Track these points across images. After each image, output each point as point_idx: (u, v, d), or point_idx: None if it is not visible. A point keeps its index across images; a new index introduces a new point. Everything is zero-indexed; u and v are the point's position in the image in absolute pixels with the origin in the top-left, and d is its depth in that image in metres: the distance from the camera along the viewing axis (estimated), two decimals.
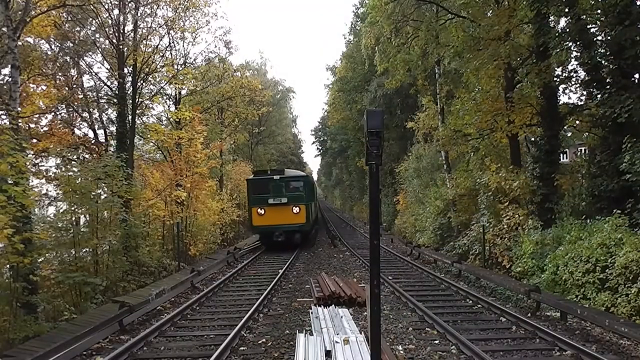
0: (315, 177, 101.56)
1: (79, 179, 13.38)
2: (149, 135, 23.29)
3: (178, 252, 19.22)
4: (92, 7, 17.49)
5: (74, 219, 13.86)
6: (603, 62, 13.75)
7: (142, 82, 20.36)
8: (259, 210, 23.11)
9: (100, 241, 13.66)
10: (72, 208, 13.36)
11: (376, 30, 26.49)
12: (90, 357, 8.31)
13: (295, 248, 22.90)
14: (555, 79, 16.42)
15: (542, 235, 14.03)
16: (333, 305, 11.46)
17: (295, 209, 23.00)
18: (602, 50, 13.80)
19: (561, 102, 17.03)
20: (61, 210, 13.59)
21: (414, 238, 26.21)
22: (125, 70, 19.21)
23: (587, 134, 17.17)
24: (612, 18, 12.84)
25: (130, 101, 19.35)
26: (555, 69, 16.64)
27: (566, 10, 14.26)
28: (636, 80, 13.15)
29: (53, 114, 19.77)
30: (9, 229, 8.92)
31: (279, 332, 9.54)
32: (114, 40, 18.65)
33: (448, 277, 15.81)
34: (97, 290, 12.26)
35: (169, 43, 22.41)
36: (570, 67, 16.12)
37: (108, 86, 20.54)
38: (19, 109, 11.87)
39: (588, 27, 14.50)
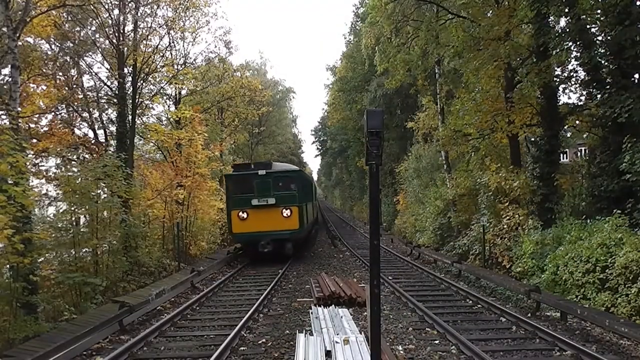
0: (315, 177, 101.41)
1: (79, 179, 13.39)
2: (149, 135, 23.26)
3: (178, 252, 19.21)
4: (92, 7, 17.50)
5: (73, 219, 13.86)
6: (603, 62, 13.76)
7: (142, 82, 20.35)
8: (240, 213, 19.00)
9: (100, 241, 13.66)
10: (72, 208, 13.36)
11: (376, 30, 26.52)
12: (90, 357, 8.32)
13: (287, 260, 19.18)
14: (555, 79, 16.44)
15: (542, 235, 14.03)
16: (333, 305, 11.46)
17: (286, 212, 18.91)
18: (602, 50, 13.81)
19: (561, 102, 17.06)
20: (61, 211, 13.60)
21: (414, 238, 26.21)
22: (125, 70, 19.21)
23: (587, 134, 17.18)
24: (612, 18, 12.84)
25: (130, 101, 19.36)
26: (555, 69, 16.64)
27: (566, 10, 14.27)
28: (636, 80, 13.15)
29: (53, 114, 19.78)
30: (9, 229, 8.92)
31: (279, 332, 9.54)
32: (114, 40, 18.65)
33: (448, 277, 15.82)
34: (97, 290, 12.26)
35: (169, 43, 22.40)
36: (570, 67, 16.15)
37: (108, 86, 20.53)
38: (19, 109, 11.86)
39: (588, 27, 14.50)
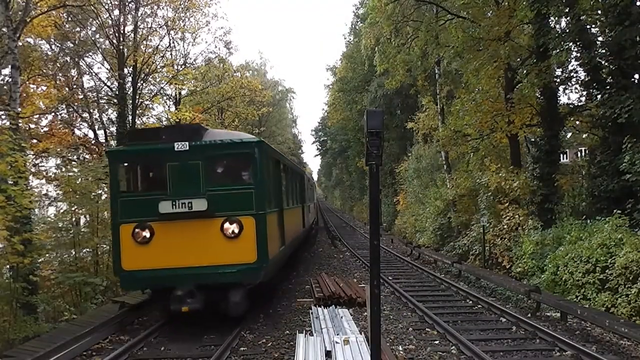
0: (315, 177, 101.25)
1: (79, 180, 13.41)
2: None
3: None
4: (92, 8, 17.54)
5: (74, 219, 13.88)
6: (603, 62, 13.76)
7: (142, 82, 20.41)
8: (136, 231, 9.36)
9: (100, 241, 13.67)
10: (72, 208, 13.38)
11: (376, 31, 26.50)
12: (90, 357, 8.31)
13: (238, 322, 9.60)
14: (555, 79, 16.44)
15: (542, 236, 14.02)
16: (333, 305, 11.45)
17: (230, 228, 9.32)
18: (602, 51, 13.81)
19: (561, 103, 17.07)
20: (61, 211, 13.62)
21: (414, 238, 26.21)
22: (126, 71, 19.27)
23: (587, 134, 17.19)
24: (612, 18, 12.84)
25: (131, 101, 19.38)
26: (555, 69, 16.64)
27: (566, 10, 14.27)
28: (636, 81, 13.15)
29: (53, 114, 19.81)
30: (5, 230, 8.94)
31: (279, 332, 9.53)
32: (114, 41, 18.71)
33: (448, 277, 15.82)
34: (97, 290, 12.27)
35: (169, 43, 22.45)
36: (570, 68, 16.17)
37: (108, 86, 20.59)
38: (19, 109, 11.90)
39: (588, 27, 14.50)
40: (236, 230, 9.30)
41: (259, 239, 9.40)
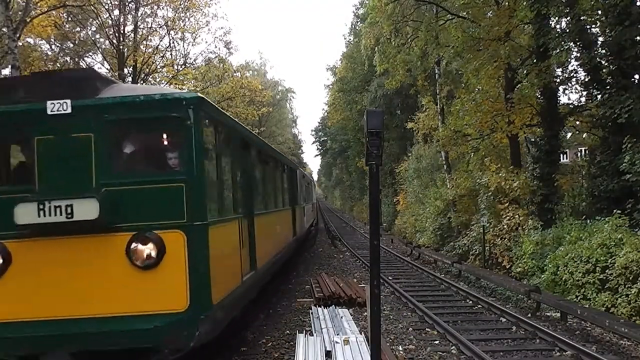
0: (315, 177, 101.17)
1: None
2: None
3: None
4: (92, 8, 17.56)
5: None
6: (603, 62, 13.78)
7: (142, 82, 20.40)
8: None
9: None
10: None
11: (376, 31, 26.52)
12: None
13: None
14: (555, 79, 16.45)
15: (542, 236, 14.03)
16: (333, 305, 11.45)
17: (144, 251, 5.18)
18: (602, 51, 13.83)
19: (561, 103, 17.09)
20: None
21: (414, 238, 26.22)
22: (126, 71, 19.28)
23: (587, 134, 17.21)
24: (612, 18, 12.86)
25: None
26: (555, 69, 16.66)
27: (566, 10, 14.29)
28: (636, 81, 13.16)
29: None
30: None
31: (279, 332, 9.53)
32: (114, 41, 18.73)
33: (448, 277, 15.83)
34: None
35: (169, 43, 22.44)
36: (570, 68, 16.20)
37: None
38: None
39: (588, 27, 14.52)
40: (153, 254, 5.27)
41: (195, 268, 5.33)
